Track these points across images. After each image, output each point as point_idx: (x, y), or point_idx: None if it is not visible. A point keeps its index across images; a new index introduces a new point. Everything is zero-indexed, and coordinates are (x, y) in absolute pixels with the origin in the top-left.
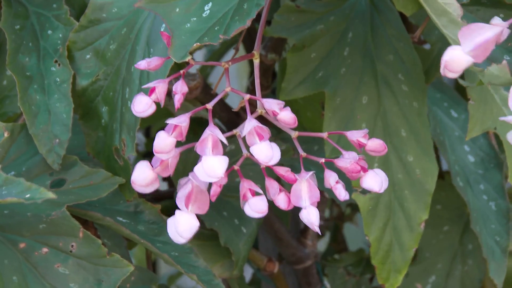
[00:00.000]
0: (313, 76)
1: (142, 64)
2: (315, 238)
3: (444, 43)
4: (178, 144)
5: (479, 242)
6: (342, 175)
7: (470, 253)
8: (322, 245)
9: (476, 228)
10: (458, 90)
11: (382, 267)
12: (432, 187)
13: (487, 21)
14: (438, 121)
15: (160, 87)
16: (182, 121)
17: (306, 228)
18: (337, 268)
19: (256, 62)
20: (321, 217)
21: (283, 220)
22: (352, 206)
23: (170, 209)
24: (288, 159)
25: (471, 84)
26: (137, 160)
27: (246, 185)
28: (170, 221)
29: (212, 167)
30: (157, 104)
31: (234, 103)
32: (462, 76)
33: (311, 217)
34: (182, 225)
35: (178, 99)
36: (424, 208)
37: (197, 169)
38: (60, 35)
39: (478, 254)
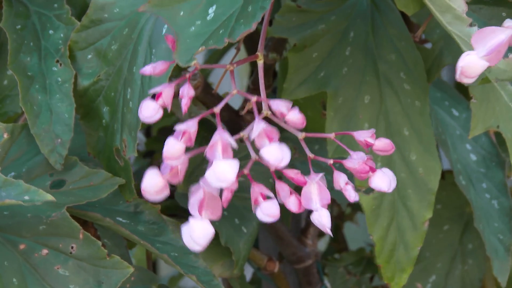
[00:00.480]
0: (315, 76)
1: (148, 70)
2: (316, 237)
3: (446, 42)
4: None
5: (479, 242)
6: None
7: (470, 253)
8: (322, 244)
9: (479, 227)
10: (459, 88)
11: (387, 266)
12: (436, 185)
13: (489, 19)
14: (440, 120)
15: (166, 91)
16: (190, 127)
17: (306, 227)
18: (337, 268)
19: (260, 63)
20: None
21: (284, 219)
22: (353, 205)
23: (171, 209)
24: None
25: (473, 83)
26: (137, 160)
27: (257, 189)
28: (185, 229)
29: (223, 172)
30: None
31: (235, 102)
32: None
33: (322, 219)
34: (197, 233)
35: (185, 103)
36: (428, 206)
37: (208, 174)
38: (62, 35)
39: (479, 254)
